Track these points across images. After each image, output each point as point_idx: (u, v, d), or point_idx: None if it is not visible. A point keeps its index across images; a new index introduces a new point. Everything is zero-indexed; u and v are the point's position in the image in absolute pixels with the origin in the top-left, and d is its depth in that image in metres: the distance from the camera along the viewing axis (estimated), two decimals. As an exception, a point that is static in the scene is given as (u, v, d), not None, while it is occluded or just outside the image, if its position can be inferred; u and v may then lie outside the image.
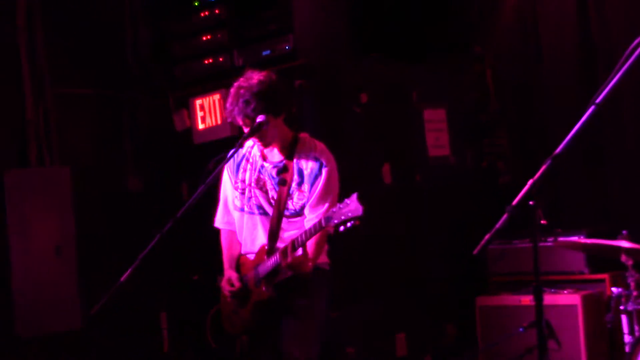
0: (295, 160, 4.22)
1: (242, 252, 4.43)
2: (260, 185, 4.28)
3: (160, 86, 6.77)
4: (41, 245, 6.17)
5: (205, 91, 6.44)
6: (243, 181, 4.34)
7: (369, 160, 6.10)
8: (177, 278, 6.63)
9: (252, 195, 4.30)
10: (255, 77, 4.18)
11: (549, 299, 5.52)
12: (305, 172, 4.19)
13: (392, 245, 6.09)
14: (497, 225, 2.76)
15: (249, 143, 4.34)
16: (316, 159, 4.20)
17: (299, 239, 3.99)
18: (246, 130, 4.16)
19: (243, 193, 4.34)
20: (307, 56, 5.94)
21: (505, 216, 2.77)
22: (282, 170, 4.23)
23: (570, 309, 5.54)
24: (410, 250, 6.22)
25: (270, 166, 4.26)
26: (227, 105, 4.19)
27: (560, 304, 5.57)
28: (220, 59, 6.42)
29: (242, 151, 4.36)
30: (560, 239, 5.31)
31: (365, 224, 4.67)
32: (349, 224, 3.76)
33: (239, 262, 4.41)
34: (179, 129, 6.61)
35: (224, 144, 5.90)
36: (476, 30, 6.95)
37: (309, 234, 3.96)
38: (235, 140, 4.37)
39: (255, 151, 4.31)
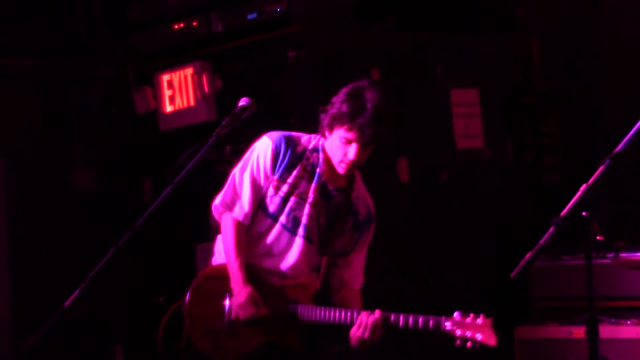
0: (354, 200, 4.48)
1: (254, 261, 4.45)
2: (317, 207, 4.41)
3: (118, 57, 6.78)
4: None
5: (174, 64, 6.45)
6: (291, 185, 4.40)
7: (381, 153, 6.09)
8: (137, 301, 6.64)
9: (301, 210, 4.39)
10: (382, 99, 4.36)
11: (608, 331, 5.52)
12: (359, 218, 4.48)
13: (410, 260, 6.09)
14: (542, 242, 2.78)
15: (303, 140, 4.47)
16: (369, 209, 4.52)
17: (395, 320, 4.25)
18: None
19: (286, 199, 4.40)
20: (304, 21, 5.95)
21: (551, 230, 2.78)
22: (343, 205, 4.44)
23: (634, 344, 5.55)
24: (433, 266, 6.23)
25: (333, 193, 4.43)
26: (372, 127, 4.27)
27: (622, 338, 5.57)
28: (194, 24, 6.42)
29: (298, 150, 4.44)
30: (623, 255, 5.32)
31: (378, 234, 4.71)
32: (469, 344, 4.13)
33: (256, 279, 4.42)
34: (140, 111, 6.63)
35: (198, 131, 5.93)
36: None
37: (408, 323, 4.22)
38: (212, 127, 4.38)
39: (317, 163, 4.43)
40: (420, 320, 4.20)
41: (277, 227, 4.41)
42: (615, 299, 5.75)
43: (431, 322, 4.18)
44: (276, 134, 4.44)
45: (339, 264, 4.48)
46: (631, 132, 2.81)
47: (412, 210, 6.21)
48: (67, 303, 3.73)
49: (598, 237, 2.86)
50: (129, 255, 3.89)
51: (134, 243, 3.86)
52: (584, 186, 2.79)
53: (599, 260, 5.56)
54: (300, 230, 4.38)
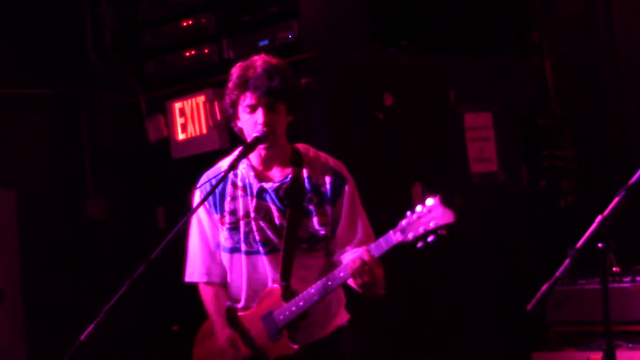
0: (305, 175, 4.24)
1: (241, 306, 4.35)
2: (264, 214, 4.23)
3: (129, 85, 6.82)
4: (-22, 289, 6.22)
5: (186, 92, 6.49)
6: (232, 213, 4.28)
7: (394, 178, 6.13)
8: (152, 329, 6.66)
9: (252, 229, 4.23)
10: (272, 58, 4.24)
11: (625, 356, 5.51)
12: (323, 190, 4.23)
13: (425, 290, 6.10)
14: (557, 273, 2.80)
15: (223, 164, 4.35)
16: (334, 173, 4.26)
17: (370, 252, 3.98)
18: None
19: (235, 228, 4.27)
20: (316, 48, 5.97)
21: (567, 262, 2.80)
22: (292, 188, 4.22)
23: (653, 370, 5.56)
24: (448, 294, 6.23)
25: (274, 186, 4.23)
26: (256, 80, 4.11)
27: (641, 364, 5.58)
28: (205, 51, 6.46)
29: (221, 176, 4.25)
30: (640, 279, 5.31)
31: (390, 264, 4.70)
32: (430, 238, 3.87)
33: (236, 316, 4.35)
34: (152, 139, 6.66)
35: (210, 159, 5.95)
36: (532, 12, 6.98)
37: (378, 251, 3.97)
38: (225, 155, 4.42)
39: (244, 172, 4.28)
40: (382, 241, 3.98)
41: (243, 258, 4.27)
42: (633, 324, 5.73)
43: (383, 243, 3.98)
44: (200, 180, 4.36)
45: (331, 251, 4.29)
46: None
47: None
48: (82, 336, 3.74)
49: (614, 269, 2.89)
50: (144, 283, 3.87)
51: (148, 274, 3.88)
52: (599, 217, 2.81)
53: (616, 285, 5.56)
54: (260, 249, 4.23)
